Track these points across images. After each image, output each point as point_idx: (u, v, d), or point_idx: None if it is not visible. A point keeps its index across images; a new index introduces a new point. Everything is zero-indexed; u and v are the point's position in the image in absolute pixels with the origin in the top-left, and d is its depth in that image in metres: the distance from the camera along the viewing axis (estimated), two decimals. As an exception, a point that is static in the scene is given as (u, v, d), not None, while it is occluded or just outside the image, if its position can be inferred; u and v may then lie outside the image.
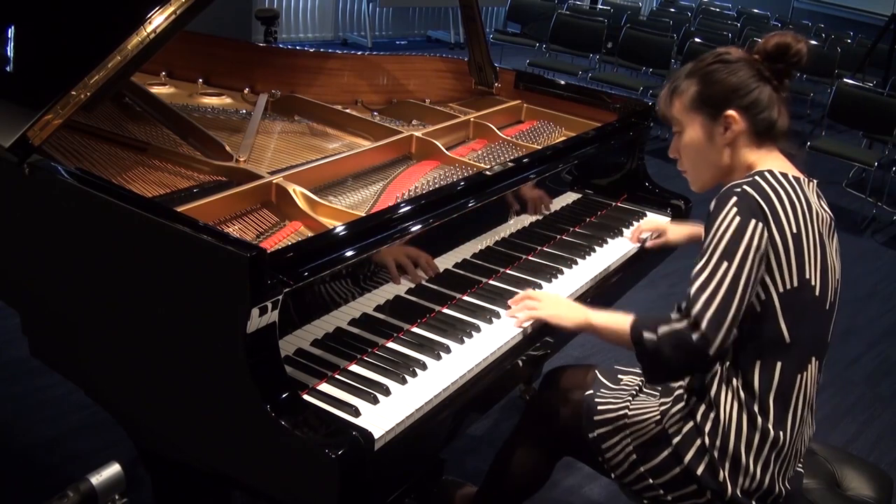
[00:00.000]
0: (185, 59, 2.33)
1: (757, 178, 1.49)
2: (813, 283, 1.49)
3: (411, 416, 1.35)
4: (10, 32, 1.70)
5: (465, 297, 1.75)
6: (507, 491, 1.86)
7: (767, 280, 1.46)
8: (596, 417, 1.68)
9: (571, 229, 2.17)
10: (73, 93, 1.50)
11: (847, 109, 5.57)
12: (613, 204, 2.38)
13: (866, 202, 5.57)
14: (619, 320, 1.54)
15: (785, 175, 1.51)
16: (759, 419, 1.50)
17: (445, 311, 1.69)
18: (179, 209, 1.46)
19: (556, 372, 1.94)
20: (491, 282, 1.84)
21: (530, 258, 1.98)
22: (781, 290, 1.46)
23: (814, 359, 1.54)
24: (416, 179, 1.95)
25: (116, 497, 1.24)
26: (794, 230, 1.46)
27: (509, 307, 1.71)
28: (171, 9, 1.52)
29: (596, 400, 1.71)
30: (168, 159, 1.86)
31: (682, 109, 1.60)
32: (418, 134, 2.13)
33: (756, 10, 10.32)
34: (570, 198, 2.22)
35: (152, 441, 1.53)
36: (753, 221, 1.43)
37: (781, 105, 1.57)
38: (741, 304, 1.41)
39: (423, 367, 1.48)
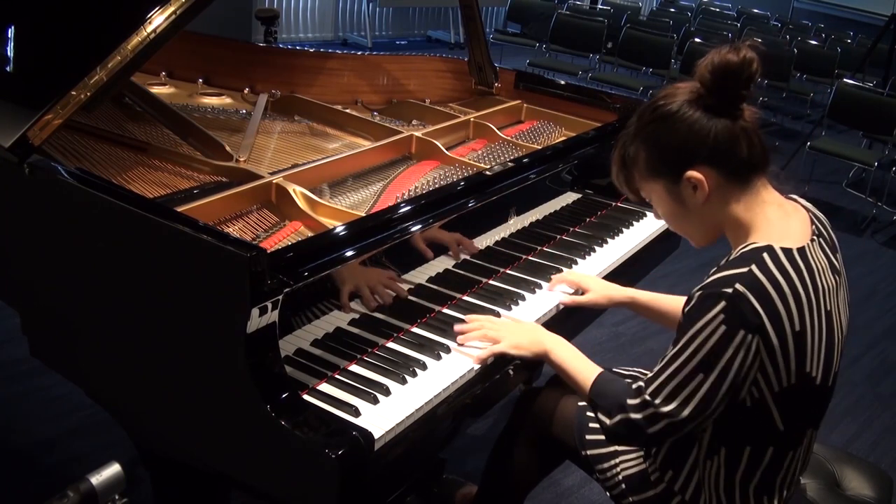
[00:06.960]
0: (185, 59, 2.33)
1: (755, 269, 1.26)
2: (814, 374, 1.32)
3: (411, 416, 1.35)
4: (11, 32, 1.70)
5: (465, 297, 1.75)
6: (507, 488, 1.85)
7: (760, 381, 1.30)
8: (588, 437, 1.65)
9: (571, 229, 2.17)
10: (73, 93, 1.49)
11: (847, 109, 5.57)
12: (613, 204, 2.38)
13: (866, 202, 5.57)
14: (581, 370, 1.49)
15: (789, 253, 1.28)
16: (743, 491, 1.43)
17: (445, 311, 1.69)
18: (179, 209, 1.46)
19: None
20: (491, 282, 1.84)
21: (530, 258, 1.98)
22: (777, 388, 1.31)
23: (810, 430, 1.43)
24: (416, 179, 1.95)
25: (116, 497, 1.24)
26: (798, 328, 1.27)
27: (466, 331, 1.57)
28: (171, 9, 1.52)
29: (588, 415, 1.65)
30: (168, 159, 1.86)
31: (641, 179, 1.41)
32: (418, 134, 2.13)
33: (756, 10, 10.32)
34: (570, 198, 2.22)
35: (152, 441, 1.53)
36: (742, 333, 1.24)
37: (748, 133, 1.32)
38: (713, 411, 1.30)
39: (423, 367, 1.48)
